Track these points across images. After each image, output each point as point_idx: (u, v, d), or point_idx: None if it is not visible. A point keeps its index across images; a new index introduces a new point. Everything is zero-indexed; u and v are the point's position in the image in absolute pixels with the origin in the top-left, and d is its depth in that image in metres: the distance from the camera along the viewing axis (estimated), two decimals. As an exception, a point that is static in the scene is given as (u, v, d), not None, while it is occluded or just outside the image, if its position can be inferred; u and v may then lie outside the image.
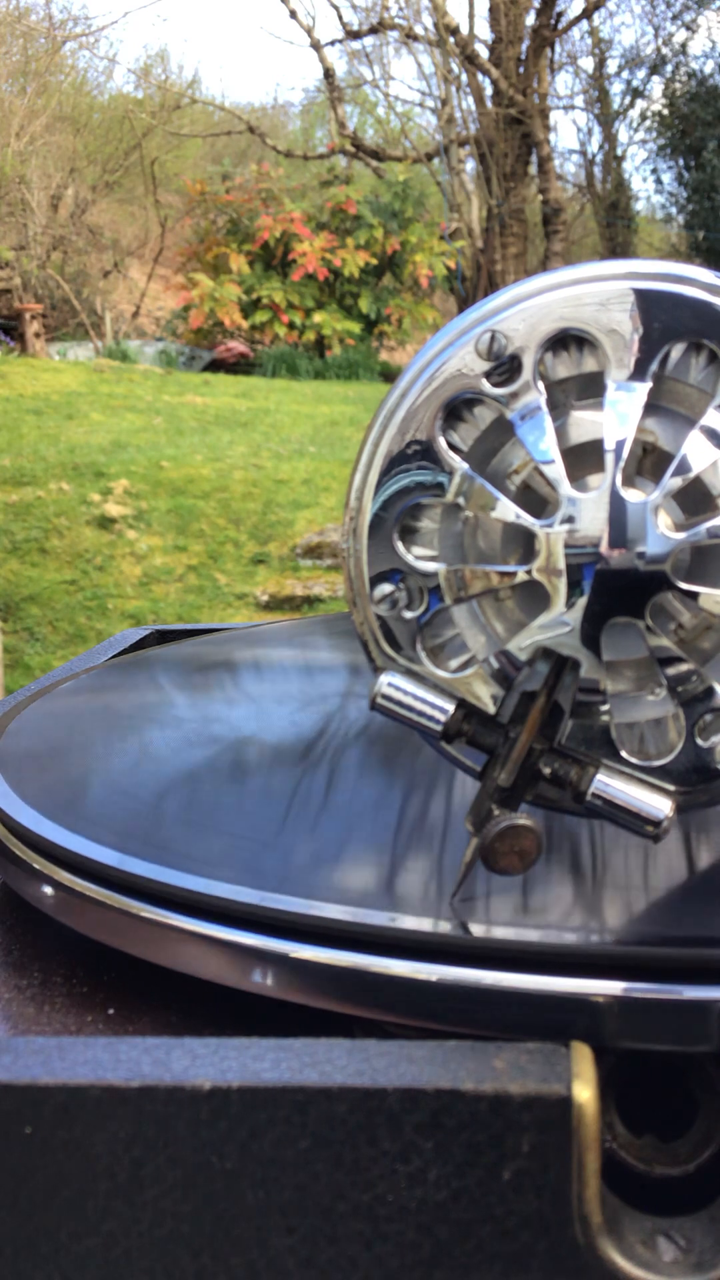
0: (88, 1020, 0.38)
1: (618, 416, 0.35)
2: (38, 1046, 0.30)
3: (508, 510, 0.36)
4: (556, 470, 0.35)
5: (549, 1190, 0.28)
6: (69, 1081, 0.29)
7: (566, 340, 0.36)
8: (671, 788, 0.37)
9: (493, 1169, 0.28)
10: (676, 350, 0.36)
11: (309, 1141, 0.28)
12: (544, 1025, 0.31)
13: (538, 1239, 0.28)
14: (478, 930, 0.35)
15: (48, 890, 0.42)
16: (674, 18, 11.00)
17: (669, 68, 10.94)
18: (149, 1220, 0.29)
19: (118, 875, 0.40)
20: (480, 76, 9.52)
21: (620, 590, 0.35)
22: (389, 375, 8.83)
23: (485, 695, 0.38)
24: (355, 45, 11.12)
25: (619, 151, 11.66)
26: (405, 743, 0.57)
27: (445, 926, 0.35)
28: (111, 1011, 0.39)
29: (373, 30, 10.31)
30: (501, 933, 0.35)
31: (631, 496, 0.35)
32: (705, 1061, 0.31)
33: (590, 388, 0.37)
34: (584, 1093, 0.28)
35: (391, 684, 0.38)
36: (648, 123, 11.44)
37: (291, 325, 8.96)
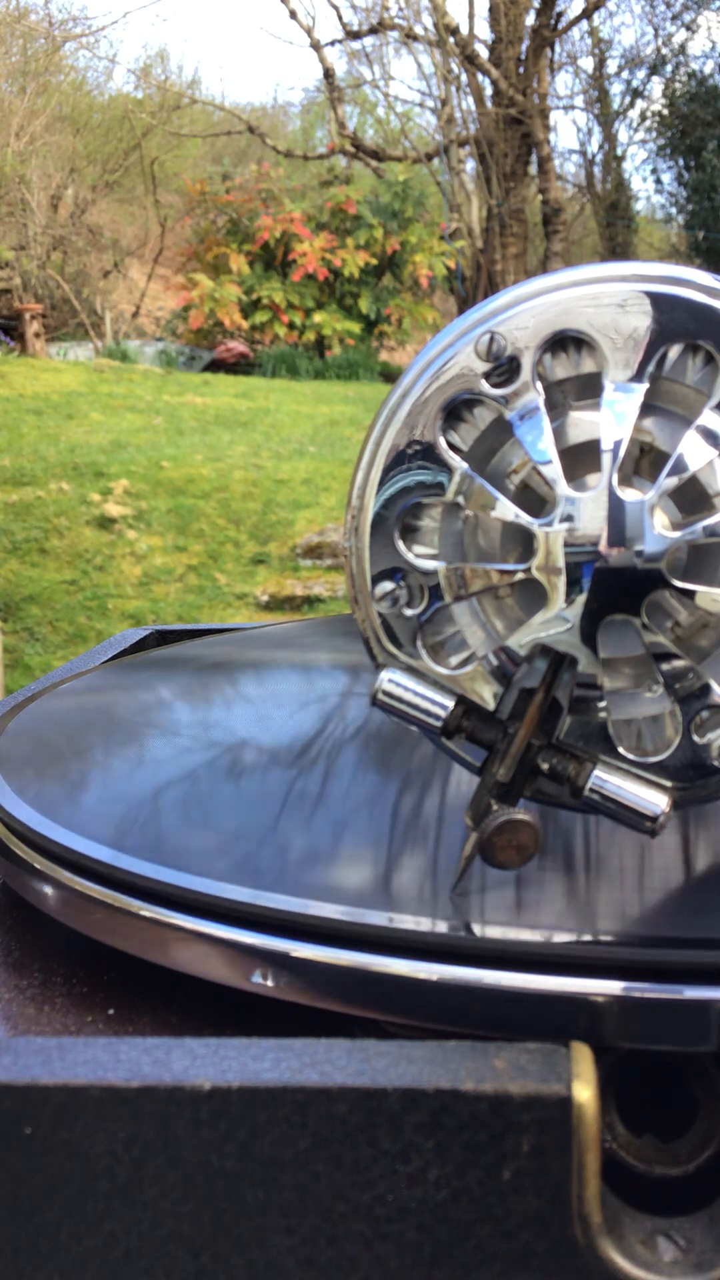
0: (88, 1020, 0.38)
1: (615, 417, 0.35)
2: (38, 1046, 0.30)
3: (507, 509, 0.36)
4: (554, 470, 0.35)
5: (549, 1190, 0.28)
6: (69, 1081, 0.29)
7: (565, 341, 0.37)
8: (668, 783, 0.37)
9: (493, 1169, 0.28)
10: (674, 351, 0.36)
11: (309, 1141, 0.28)
12: (544, 1025, 0.31)
13: (538, 1239, 0.28)
14: (478, 930, 0.35)
15: (48, 890, 0.42)
16: (674, 18, 11.00)
17: (669, 68, 10.94)
18: (149, 1220, 0.29)
19: (118, 875, 0.40)
20: (480, 76, 9.52)
21: (618, 588, 0.35)
22: (389, 375, 8.83)
23: (485, 692, 0.38)
24: (355, 45, 11.12)
25: (619, 151, 11.66)
26: (404, 742, 0.57)
27: (445, 926, 0.35)
28: (111, 1011, 0.39)
29: (373, 30, 10.31)
30: (502, 932, 0.35)
31: (628, 496, 0.35)
32: (705, 1061, 0.31)
33: (588, 388, 0.37)
34: (584, 1093, 0.28)
35: (392, 680, 0.38)
36: (648, 123, 11.45)
37: (291, 325, 8.96)
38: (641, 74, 11.35)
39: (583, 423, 0.37)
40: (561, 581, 0.35)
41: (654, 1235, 0.29)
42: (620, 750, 0.37)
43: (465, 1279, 0.28)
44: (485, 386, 0.37)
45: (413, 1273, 0.28)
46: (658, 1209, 0.30)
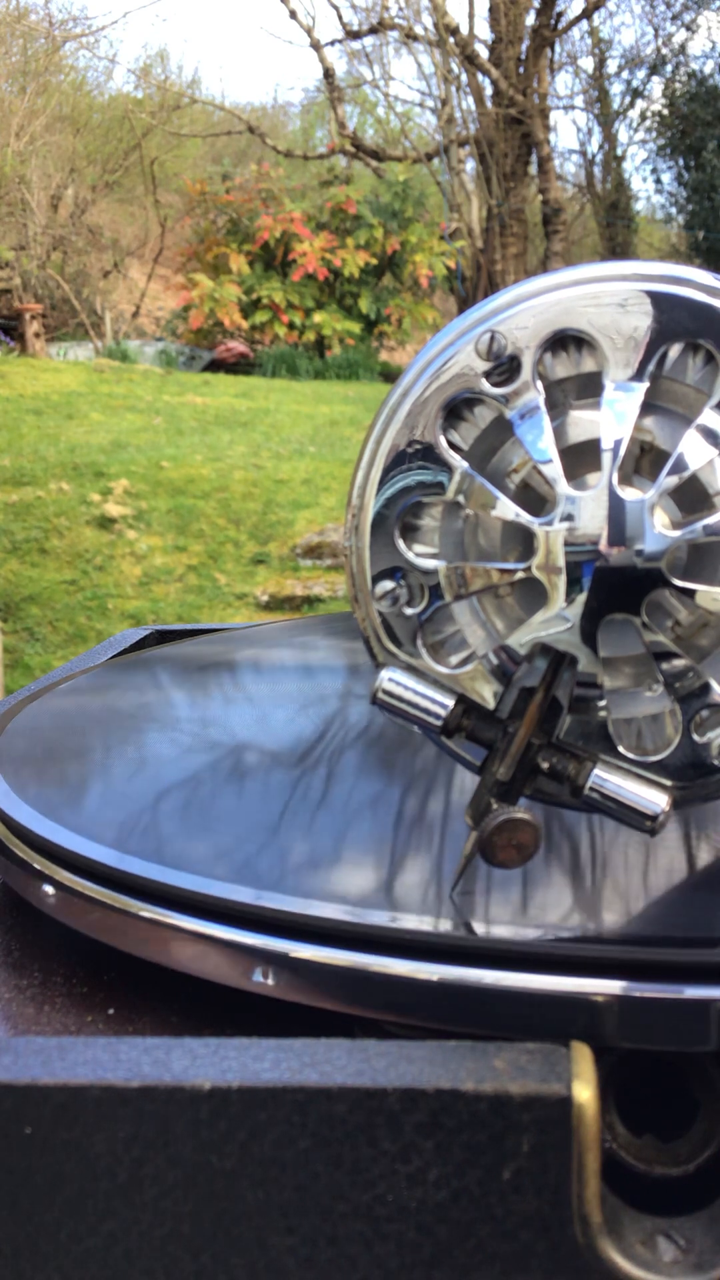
0: (88, 1020, 0.38)
1: (615, 416, 0.35)
2: (38, 1046, 0.30)
3: (507, 509, 0.36)
4: (554, 469, 0.35)
5: (549, 1190, 0.28)
6: (69, 1081, 0.29)
7: (566, 340, 0.37)
8: (668, 782, 0.37)
9: (493, 1169, 0.28)
10: (674, 350, 0.36)
11: (309, 1141, 0.28)
12: (544, 1025, 0.31)
13: (538, 1239, 0.28)
14: (478, 930, 0.35)
15: (48, 890, 0.42)
16: (674, 18, 10.99)
17: (669, 68, 10.93)
18: (149, 1220, 0.29)
19: (118, 875, 0.40)
20: (480, 76, 9.52)
21: (618, 587, 0.35)
22: (389, 375, 8.83)
23: (485, 691, 0.38)
24: (355, 45, 11.12)
25: (619, 151, 11.66)
26: (404, 743, 0.57)
27: (445, 926, 0.35)
28: (111, 1011, 0.39)
29: (373, 30, 10.31)
30: (502, 932, 0.35)
31: (629, 495, 0.35)
32: (705, 1061, 0.31)
33: (589, 387, 0.37)
34: (584, 1093, 0.28)
35: (393, 679, 0.38)
36: (648, 123, 11.45)
37: (291, 325, 8.96)
38: (641, 74, 11.35)
39: (583, 422, 0.37)
40: (562, 580, 0.35)
41: (654, 1235, 0.29)
42: (620, 749, 0.37)
43: (465, 1279, 0.28)
44: (485, 385, 0.37)
45: (413, 1273, 0.28)
46: (658, 1209, 0.30)
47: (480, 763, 0.38)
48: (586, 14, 10.14)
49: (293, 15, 9.87)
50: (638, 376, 0.36)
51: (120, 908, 0.39)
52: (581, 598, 0.35)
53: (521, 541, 0.37)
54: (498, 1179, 0.28)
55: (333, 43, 10.95)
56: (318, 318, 8.96)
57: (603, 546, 0.35)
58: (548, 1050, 0.29)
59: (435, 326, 9.23)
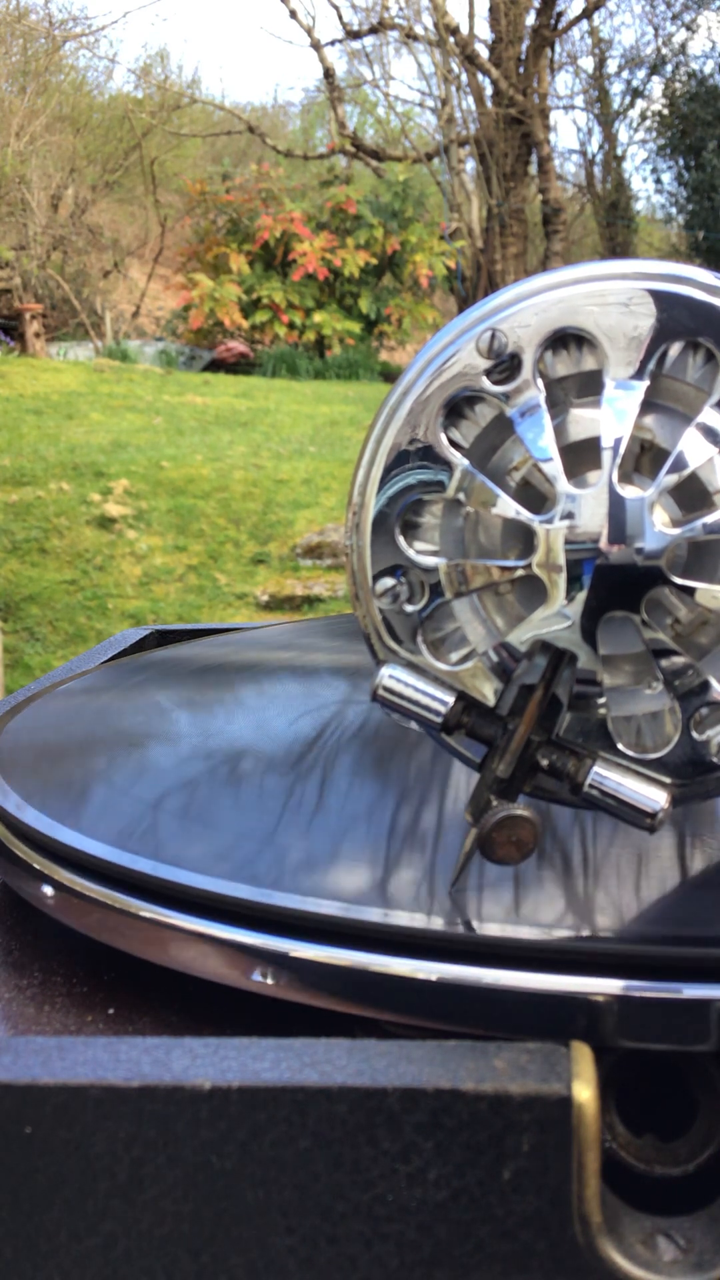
0: (88, 1020, 0.38)
1: (615, 414, 0.35)
2: (38, 1046, 0.30)
3: (507, 506, 0.36)
4: (554, 467, 0.35)
5: (549, 1190, 0.28)
6: (69, 1081, 0.29)
7: (566, 339, 0.37)
8: (667, 780, 0.37)
9: (493, 1169, 0.28)
10: (674, 349, 0.36)
11: (309, 1141, 0.28)
12: (544, 1025, 0.31)
13: (538, 1239, 0.28)
14: (478, 928, 0.35)
15: (48, 890, 0.42)
16: (674, 18, 11.00)
17: (669, 68, 10.94)
18: (149, 1220, 0.29)
19: (118, 874, 0.40)
20: (480, 76, 9.52)
21: (618, 585, 0.35)
22: (389, 375, 8.83)
23: (485, 688, 0.38)
24: (355, 45, 11.13)
25: (619, 151, 11.67)
26: (403, 742, 0.57)
27: (445, 924, 0.35)
28: (111, 1011, 0.39)
29: (373, 30, 10.32)
30: (502, 931, 0.35)
31: (629, 493, 0.35)
32: (705, 1061, 0.31)
33: (589, 386, 0.37)
34: (584, 1093, 0.28)
35: (393, 676, 0.38)
36: (648, 123, 11.45)
37: (291, 325, 8.96)
38: (641, 74, 11.36)
39: (583, 420, 0.37)
40: (562, 578, 0.35)
41: (654, 1235, 0.29)
42: (620, 747, 0.37)
43: (465, 1279, 0.28)
44: (486, 383, 0.37)
45: (413, 1273, 0.28)
46: (658, 1209, 0.30)
47: (480, 760, 0.38)
48: (586, 14, 10.15)
49: (293, 15, 9.88)
50: (638, 375, 0.36)
51: (120, 907, 0.39)
52: (581, 595, 0.35)
53: (522, 539, 0.37)
54: (498, 1179, 0.28)
55: (333, 43, 10.98)
56: (318, 318, 8.97)
57: (603, 544, 0.35)
58: (548, 1050, 0.29)
59: (435, 326, 9.23)
